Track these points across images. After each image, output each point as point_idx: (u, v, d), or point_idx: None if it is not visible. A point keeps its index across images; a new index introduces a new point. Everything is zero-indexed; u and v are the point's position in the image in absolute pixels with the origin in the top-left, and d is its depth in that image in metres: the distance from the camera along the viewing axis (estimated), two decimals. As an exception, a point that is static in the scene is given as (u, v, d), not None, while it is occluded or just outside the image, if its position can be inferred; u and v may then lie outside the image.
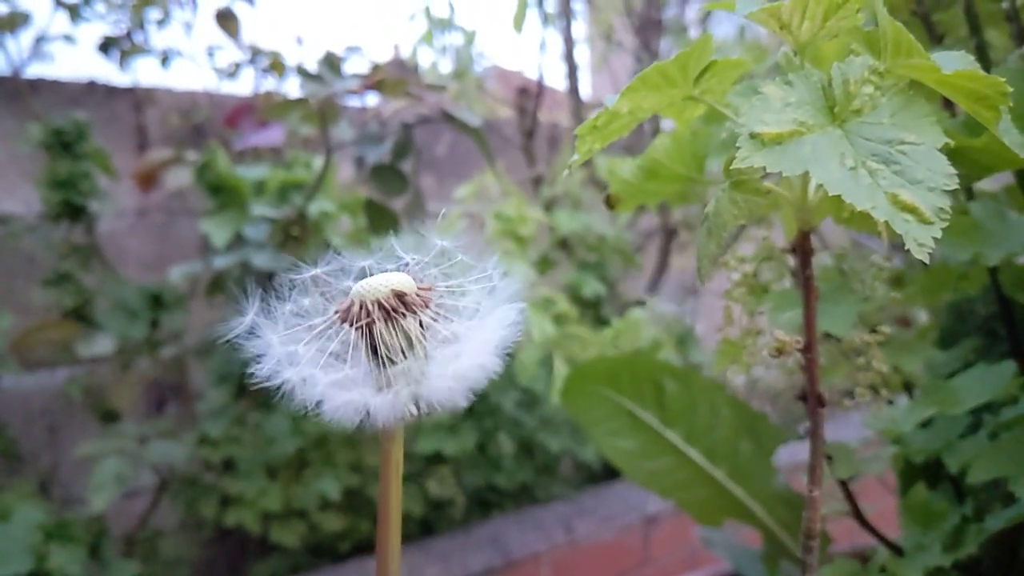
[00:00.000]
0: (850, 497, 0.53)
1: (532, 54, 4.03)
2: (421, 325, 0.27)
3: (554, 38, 2.70)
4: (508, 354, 0.28)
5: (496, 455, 1.28)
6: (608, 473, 1.46)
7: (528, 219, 1.34)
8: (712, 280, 0.37)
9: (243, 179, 1.11)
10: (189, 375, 1.23)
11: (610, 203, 0.50)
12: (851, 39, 0.36)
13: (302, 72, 1.00)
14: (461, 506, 1.24)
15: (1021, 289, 0.49)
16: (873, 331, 0.46)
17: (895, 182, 0.29)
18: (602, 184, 1.56)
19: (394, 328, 0.27)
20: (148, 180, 1.17)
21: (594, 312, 1.46)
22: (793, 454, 0.74)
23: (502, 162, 1.45)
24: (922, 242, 0.28)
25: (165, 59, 1.32)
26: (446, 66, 1.82)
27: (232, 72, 1.36)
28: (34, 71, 1.24)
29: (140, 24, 1.30)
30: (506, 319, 0.28)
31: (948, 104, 0.44)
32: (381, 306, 0.27)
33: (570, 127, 1.72)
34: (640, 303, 1.55)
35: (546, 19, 1.77)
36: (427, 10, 1.79)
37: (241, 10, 1.33)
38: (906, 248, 0.28)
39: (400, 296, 0.27)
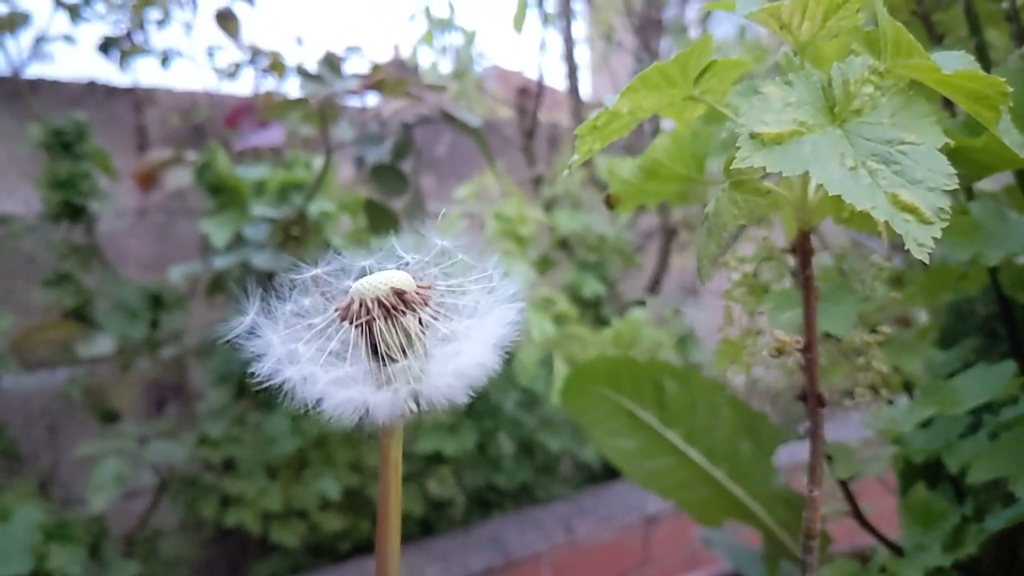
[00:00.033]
0: (850, 497, 0.53)
1: (532, 54, 4.03)
2: (421, 323, 0.27)
3: (554, 38, 2.70)
4: (508, 354, 0.28)
5: (496, 455, 1.27)
6: (608, 473, 1.46)
7: (528, 219, 1.34)
8: (712, 280, 0.37)
9: (243, 179, 1.11)
10: (189, 375, 1.23)
11: (610, 203, 0.50)
12: (851, 39, 0.36)
13: (302, 72, 1.00)
14: (461, 506, 1.24)
15: (1021, 289, 0.49)
16: (873, 331, 0.46)
17: (895, 182, 0.29)
18: (602, 184, 1.56)
19: (394, 326, 0.27)
20: (148, 180, 1.17)
21: (594, 312, 1.46)
22: (793, 454, 0.74)
23: (502, 162, 1.45)
24: (922, 242, 0.28)
25: (165, 59, 1.32)
26: (446, 66, 1.82)
27: (232, 72, 1.36)
28: (34, 71, 1.24)
29: (140, 24, 1.30)
30: (505, 318, 0.29)
31: (948, 104, 0.44)
32: (381, 304, 0.27)
33: (570, 127, 1.72)
34: (640, 303, 1.55)
35: (546, 19, 1.77)
36: (427, 10, 1.79)
37: (241, 10, 1.33)
38: (906, 248, 0.28)
39: (400, 294, 0.27)
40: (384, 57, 1.22)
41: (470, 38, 1.80)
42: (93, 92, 1.31)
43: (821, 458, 0.37)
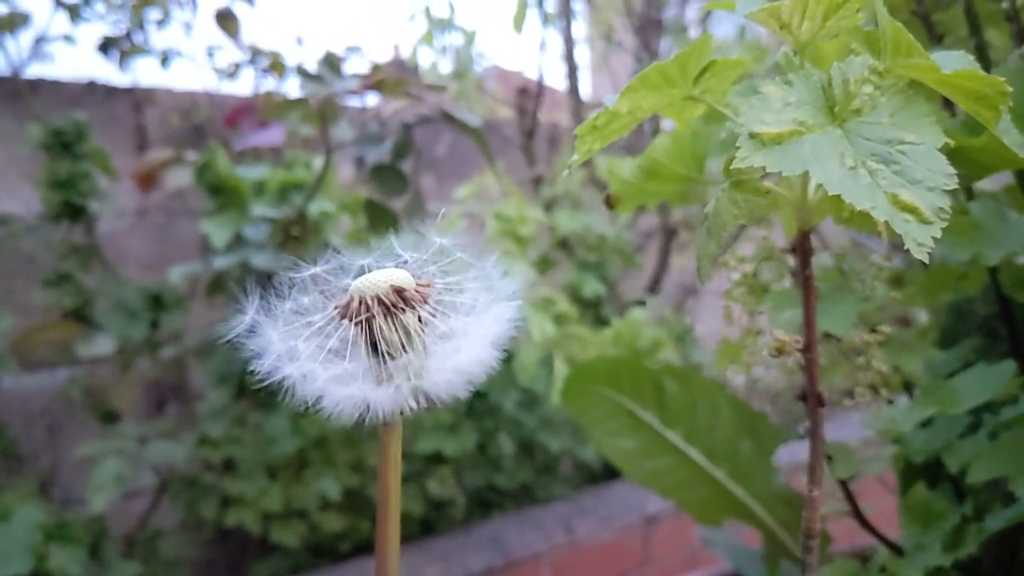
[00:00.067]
0: (850, 497, 0.53)
1: (532, 54, 4.03)
2: (420, 320, 0.28)
3: (554, 38, 2.70)
4: (508, 353, 0.28)
5: (496, 455, 1.27)
6: (608, 473, 1.46)
7: (528, 219, 1.34)
8: (712, 280, 0.37)
9: (243, 179, 1.11)
10: (189, 375, 1.23)
11: (610, 203, 0.50)
12: (851, 39, 0.36)
13: (302, 72, 1.00)
14: (461, 506, 1.24)
15: (1021, 289, 0.49)
16: (873, 331, 0.46)
17: (895, 182, 0.29)
18: (602, 184, 1.56)
19: (393, 323, 0.27)
20: (148, 180, 1.17)
21: (594, 312, 1.46)
22: (793, 454, 0.74)
23: (502, 162, 1.45)
24: (922, 242, 0.28)
25: (165, 59, 1.32)
26: (446, 66, 1.82)
27: (232, 72, 1.36)
28: (34, 71, 1.24)
29: (140, 24, 1.30)
30: (504, 315, 0.29)
31: (948, 104, 0.44)
32: (380, 302, 0.27)
33: (570, 127, 1.72)
34: (640, 303, 1.55)
35: (546, 19, 1.77)
36: (427, 10, 1.80)
37: (241, 10, 1.33)
38: (906, 248, 0.28)
39: (399, 292, 0.27)
40: (384, 57, 1.22)
41: (470, 38, 1.80)
42: (93, 92, 1.31)
43: (821, 458, 0.37)
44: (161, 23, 1.31)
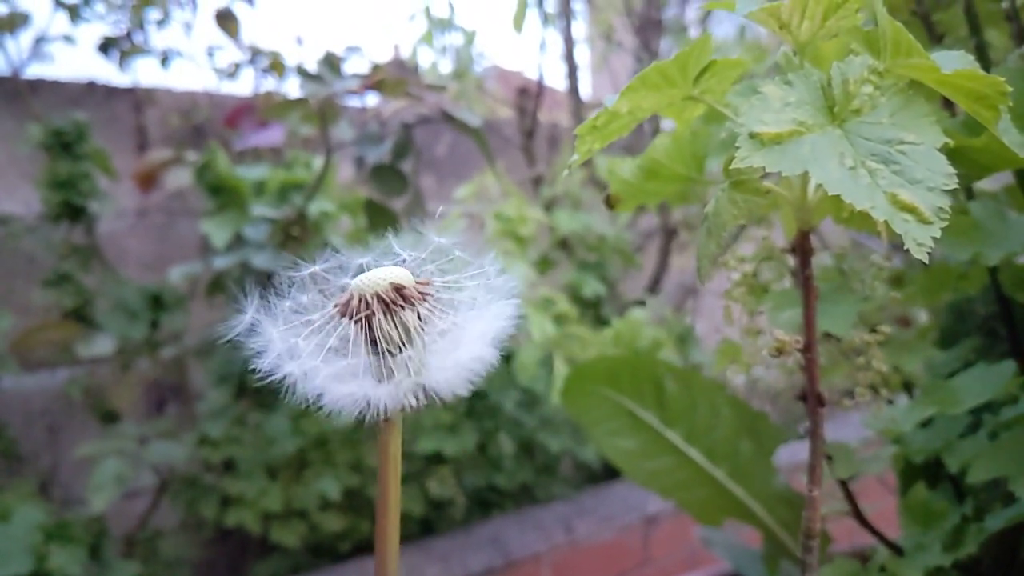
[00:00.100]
0: (850, 497, 0.53)
1: (532, 54, 4.03)
2: (419, 318, 0.28)
3: (554, 38, 2.70)
4: (507, 353, 0.28)
5: (496, 455, 1.27)
6: (608, 473, 1.46)
7: (528, 219, 1.34)
8: (712, 280, 0.37)
9: (243, 179, 1.11)
10: (189, 375, 1.23)
11: (610, 203, 0.50)
12: (851, 39, 0.36)
13: (302, 72, 1.00)
14: (461, 506, 1.24)
15: (1021, 289, 0.49)
16: (873, 331, 0.46)
17: (894, 182, 0.29)
18: (602, 184, 1.56)
19: (393, 321, 0.27)
20: (148, 180, 1.17)
21: (594, 312, 1.46)
22: (793, 454, 0.74)
23: (502, 162, 1.45)
24: (921, 242, 0.28)
25: (165, 59, 1.32)
26: (446, 66, 1.82)
27: (232, 72, 1.36)
28: (34, 71, 1.24)
29: (140, 24, 1.30)
30: (503, 312, 0.29)
31: (948, 104, 0.44)
32: (380, 299, 0.27)
33: (570, 127, 1.72)
34: (640, 303, 1.55)
35: (546, 19, 1.77)
36: (427, 10, 1.80)
37: (241, 10, 1.33)
38: (906, 248, 0.28)
39: (398, 289, 0.28)
40: (384, 57, 1.22)
41: (470, 38, 1.80)
42: (93, 92, 1.31)
43: (821, 458, 0.37)
44: (161, 23, 1.31)
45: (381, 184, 1.02)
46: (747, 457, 0.65)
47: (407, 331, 0.27)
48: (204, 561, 1.24)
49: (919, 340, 0.59)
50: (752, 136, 0.30)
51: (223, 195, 1.10)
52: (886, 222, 0.28)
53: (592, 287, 1.41)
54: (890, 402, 0.51)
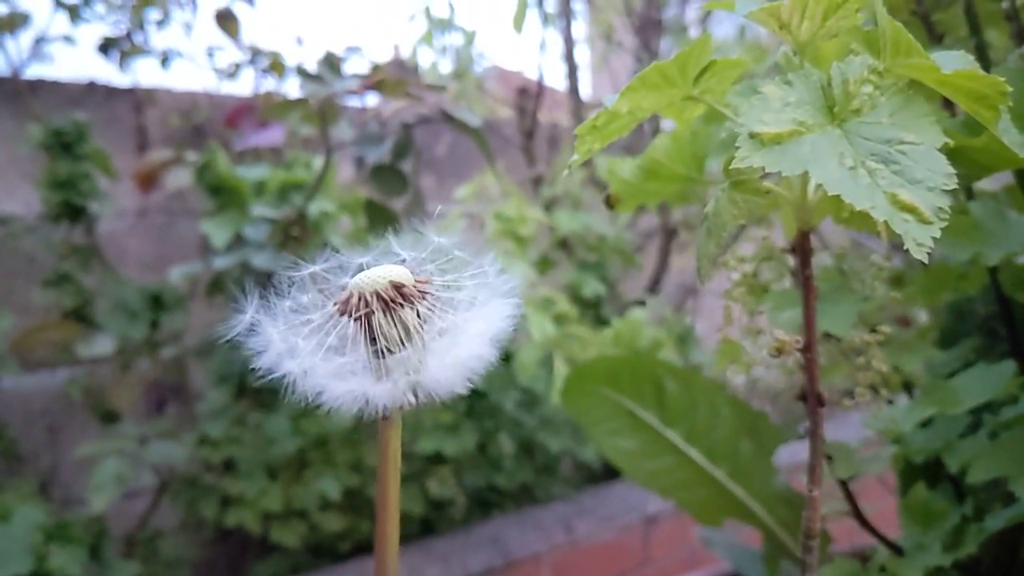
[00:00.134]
0: (850, 497, 0.53)
1: (532, 54, 4.03)
2: (418, 316, 0.28)
3: (554, 38, 2.70)
4: (507, 352, 0.29)
5: (496, 455, 1.27)
6: (608, 473, 1.46)
7: (528, 219, 1.34)
8: (712, 280, 0.37)
9: (243, 179, 1.11)
10: (189, 375, 1.23)
11: (610, 203, 0.50)
12: (851, 39, 0.36)
13: (302, 72, 1.00)
14: (461, 506, 1.24)
15: (1021, 289, 0.49)
16: (873, 331, 0.46)
17: (894, 182, 0.29)
18: (602, 184, 1.56)
19: (392, 319, 0.27)
20: (148, 181, 1.17)
21: (594, 312, 1.46)
22: (793, 454, 0.74)
23: (502, 162, 1.45)
24: (921, 242, 0.28)
25: (165, 60, 1.32)
26: (446, 66, 1.82)
27: (232, 72, 1.36)
28: (34, 72, 1.24)
29: (140, 25, 1.30)
30: (502, 312, 0.29)
31: (948, 104, 0.44)
32: (379, 297, 0.27)
33: (570, 127, 1.72)
34: (640, 303, 1.54)
35: (546, 19, 1.77)
36: (427, 10, 1.80)
37: (241, 10, 1.33)
38: (906, 248, 0.28)
39: (398, 287, 0.28)
40: (384, 57, 1.22)
41: (470, 38, 1.80)
42: (93, 93, 1.31)
43: (821, 458, 0.37)
44: (161, 23, 1.31)
45: (381, 184, 1.02)
46: (747, 457, 0.65)
47: (406, 329, 0.27)
48: (204, 561, 1.24)
49: (919, 340, 0.59)
50: (752, 136, 0.30)
51: (223, 195, 1.10)
52: (886, 222, 0.28)
53: (592, 287, 1.41)
54: (890, 402, 0.51)
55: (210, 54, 1.37)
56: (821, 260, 0.50)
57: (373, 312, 0.27)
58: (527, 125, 1.63)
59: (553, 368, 1.15)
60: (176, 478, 1.14)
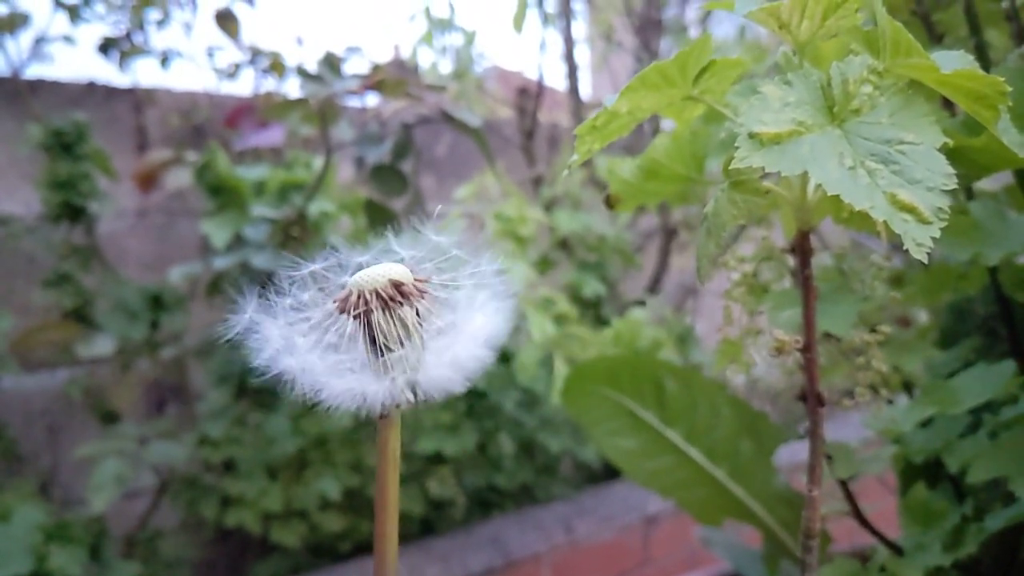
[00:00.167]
0: (850, 497, 0.53)
1: (532, 54, 4.03)
2: (417, 315, 0.28)
3: (554, 38, 2.70)
4: (506, 352, 0.29)
5: (496, 455, 1.27)
6: (608, 473, 1.46)
7: (528, 219, 1.33)
8: (712, 280, 0.37)
9: (243, 179, 1.11)
10: (189, 376, 1.23)
11: (610, 203, 0.50)
12: (850, 39, 0.36)
13: (302, 72, 1.00)
14: (461, 506, 1.24)
15: (1021, 289, 0.49)
16: (873, 331, 0.46)
17: (894, 182, 0.29)
18: (602, 184, 1.56)
19: (391, 317, 0.27)
20: (148, 181, 1.17)
21: (594, 312, 1.46)
22: (793, 454, 0.74)
23: (502, 162, 1.45)
24: (921, 242, 0.28)
25: (165, 60, 1.32)
26: (446, 66, 1.82)
27: (232, 72, 1.36)
28: (34, 72, 1.24)
29: (140, 25, 1.30)
30: (500, 311, 0.29)
31: (948, 104, 0.44)
32: (378, 295, 0.27)
33: (570, 127, 1.72)
34: (640, 303, 1.54)
35: (546, 19, 1.77)
36: (427, 10, 1.80)
37: (241, 10, 1.33)
38: (905, 248, 0.28)
39: (397, 286, 0.28)
40: (384, 57, 1.22)
41: (470, 38, 1.80)
42: (93, 93, 1.31)
43: (821, 458, 0.37)
44: (161, 23, 1.31)
45: (381, 184, 1.02)
46: (747, 457, 0.65)
47: (405, 328, 0.28)
48: (204, 561, 1.24)
49: (919, 340, 0.59)
50: (752, 136, 0.30)
51: (223, 195, 1.10)
52: (885, 222, 0.28)
53: (592, 287, 1.41)
54: (890, 402, 0.51)
55: (210, 54, 1.37)
56: (821, 260, 0.50)
57: (372, 310, 0.27)
58: (527, 125, 1.63)
59: (553, 368, 1.15)
60: (176, 478, 1.14)
